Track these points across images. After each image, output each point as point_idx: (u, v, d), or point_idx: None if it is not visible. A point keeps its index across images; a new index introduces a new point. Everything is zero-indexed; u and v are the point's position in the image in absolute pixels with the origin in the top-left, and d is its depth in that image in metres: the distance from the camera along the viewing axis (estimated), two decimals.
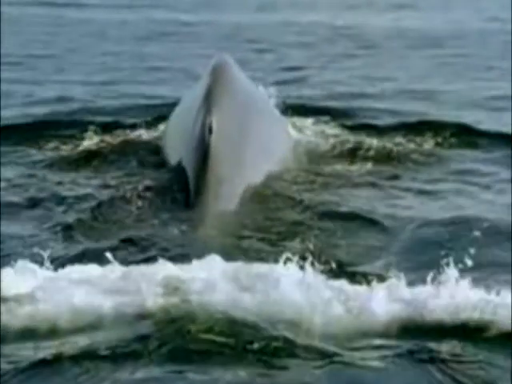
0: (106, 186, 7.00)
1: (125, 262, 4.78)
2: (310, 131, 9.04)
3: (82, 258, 4.90)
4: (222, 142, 6.22)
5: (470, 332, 4.31)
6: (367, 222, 6.33)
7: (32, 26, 22.73)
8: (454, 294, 4.42)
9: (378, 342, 4.28)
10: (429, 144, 8.88)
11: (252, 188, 6.53)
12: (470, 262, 4.59)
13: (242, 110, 7.14)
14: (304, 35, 21.98)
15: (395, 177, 7.74)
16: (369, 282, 4.64)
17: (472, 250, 4.66)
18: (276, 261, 4.76)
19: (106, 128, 8.93)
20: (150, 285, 4.49)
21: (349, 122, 9.67)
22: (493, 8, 27.02)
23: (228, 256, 4.98)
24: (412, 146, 8.75)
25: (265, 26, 25.17)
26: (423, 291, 4.48)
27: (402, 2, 31.95)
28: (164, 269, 4.61)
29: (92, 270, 4.61)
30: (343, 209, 6.64)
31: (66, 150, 8.28)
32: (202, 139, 6.21)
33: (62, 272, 4.61)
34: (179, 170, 6.63)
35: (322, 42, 20.72)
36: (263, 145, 7.14)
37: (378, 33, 23.23)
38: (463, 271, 4.57)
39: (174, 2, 29.55)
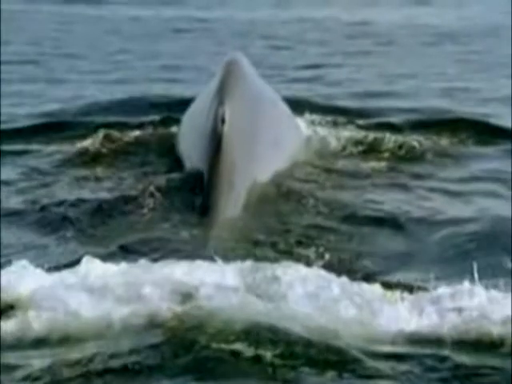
0: (117, 186, 6.85)
1: (134, 266, 4.60)
2: (323, 129, 8.85)
3: (90, 260, 4.68)
4: (234, 133, 6.26)
5: (493, 346, 4.10)
6: (388, 223, 6.13)
7: (44, 24, 22.69)
8: (480, 306, 4.19)
9: (395, 351, 4.09)
10: (449, 142, 8.67)
11: (264, 179, 6.55)
12: (499, 272, 4.38)
13: (254, 104, 7.20)
14: (319, 32, 21.84)
15: (415, 175, 7.53)
16: (390, 290, 4.44)
17: (503, 259, 4.44)
18: (290, 265, 4.58)
19: (116, 127, 8.77)
20: (160, 291, 4.30)
21: (364, 121, 9.47)
22: (506, 3, 26.77)
23: (241, 254, 4.88)
24: (431, 143, 8.53)
25: (280, 22, 25.03)
26: (449, 302, 4.26)
27: None
28: (174, 273, 4.42)
29: (99, 274, 4.43)
30: (360, 210, 6.45)
31: (77, 149, 8.10)
32: (215, 130, 6.25)
33: (67, 276, 4.43)
34: (193, 162, 6.65)
35: (338, 38, 20.56)
36: (275, 139, 7.20)
37: (395, 29, 23.06)
38: (491, 281, 4.35)
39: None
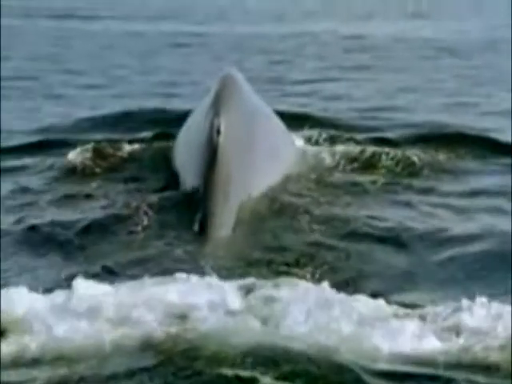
0: (110, 204, 6.76)
1: (126, 287, 4.50)
2: (320, 144, 8.77)
3: (82, 281, 4.58)
4: (229, 144, 6.26)
5: (493, 367, 3.99)
6: (386, 239, 6.04)
7: (41, 39, 22.66)
8: (481, 325, 4.09)
9: (395, 370, 4.00)
10: (447, 156, 8.58)
11: (260, 192, 6.53)
12: (503, 291, 4.28)
13: (249, 117, 7.23)
14: (317, 45, 21.82)
15: (414, 190, 7.42)
16: (391, 308, 4.35)
17: (506, 277, 4.34)
18: (287, 283, 4.49)
19: (110, 142, 8.69)
20: (154, 312, 4.20)
21: (362, 135, 9.36)
22: (504, 16, 26.86)
23: (237, 272, 4.79)
24: (429, 158, 8.43)
25: (277, 36, 25.03)
26: (450, 321, 4.16)
27: (415, 12, 31.83)
28: (168, 294, 4.32)
29: (91, 296, 4.33)
30: (358, 225, 6.35)
31: (69, 166, 7.99)
32: (211, 141, 6.27)
33: (58, 299, 4.34)
34: (188, 175, 6.62)
35: (335, 52, 20.54)
36: (270, 151, 7.21)
37: (392, 42, 23.07)
38: (495, 300, 4.25)
39: (186, 14, 29.52)
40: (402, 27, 26.67)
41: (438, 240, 6.00)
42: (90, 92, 13.58)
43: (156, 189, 7.09)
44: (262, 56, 19.34)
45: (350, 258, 5.70)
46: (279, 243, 5.87)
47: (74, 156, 8.15)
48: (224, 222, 5.89)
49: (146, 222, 6.13)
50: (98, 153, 8.19)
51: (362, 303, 4.40)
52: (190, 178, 6.56)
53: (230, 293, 4.41)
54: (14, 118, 10.81)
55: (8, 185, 7.46)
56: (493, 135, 9.49)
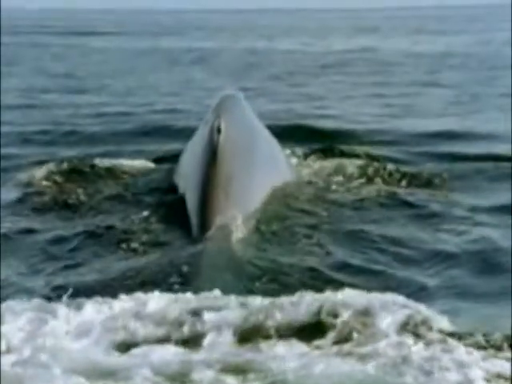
0: (107, 214, 6.65)
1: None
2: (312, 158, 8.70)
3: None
4: (230, 144, 6.25)
5: None
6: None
7: (39, 55, 22.76)
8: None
9: None
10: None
11: (261, 193, 6.48)
12: None
13: (248, 125, 7.35)
14: (318, 61, 21.88)
15: (407, 203, 7.15)
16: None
17: None
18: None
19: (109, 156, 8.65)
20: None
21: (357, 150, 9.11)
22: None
23: (237, 288, 4.62)
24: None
25: (278, 53, 25.15)
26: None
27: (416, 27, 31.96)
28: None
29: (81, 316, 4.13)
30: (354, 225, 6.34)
31: (69, 178, 7.83)
32: (211, 140, 6.25)
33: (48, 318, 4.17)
34: (189, 178, 6.54)
35: (338, 67, 20.62)
36: (268, 157, 7.28)
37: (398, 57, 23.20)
38: None
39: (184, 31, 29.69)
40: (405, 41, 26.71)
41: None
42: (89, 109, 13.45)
43: (156, 199, 6.96)
44: (261, 72, 19.44)
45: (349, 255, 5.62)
46: (279, 245, 5.78)
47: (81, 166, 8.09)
48: (225, 222, 5.78)
49: (144, 226, 6.11)
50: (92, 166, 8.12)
51: None
52: (191, 180, 6.45)
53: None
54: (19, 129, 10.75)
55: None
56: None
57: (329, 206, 6.89)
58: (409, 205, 7.05)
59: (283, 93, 15.50)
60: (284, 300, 4.22)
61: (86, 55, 22.77)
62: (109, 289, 4.77)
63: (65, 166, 8.04)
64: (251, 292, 4.59)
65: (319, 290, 4.40)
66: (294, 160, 8.56)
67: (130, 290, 4.57)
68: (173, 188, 7.06)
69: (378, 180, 7.89)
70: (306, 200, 7.03)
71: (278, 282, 4.98)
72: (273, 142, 7.84)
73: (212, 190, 5.96)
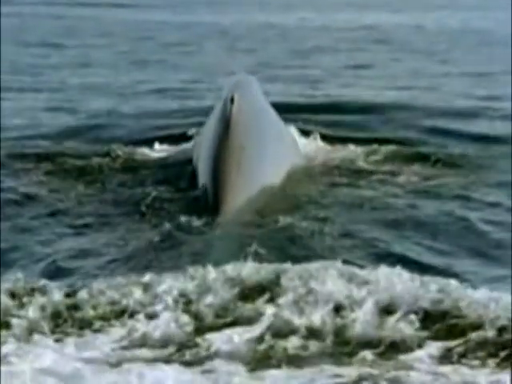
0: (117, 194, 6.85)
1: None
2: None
3: None
4: (242, 115, 6.30)
5: None
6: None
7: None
8: None
9: None
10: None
11: (273, 167, 6.60)
12: None
13: (261, 103, 7.47)
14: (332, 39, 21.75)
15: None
16: None
17: None
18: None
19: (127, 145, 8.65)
20: None
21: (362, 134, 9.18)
22: None
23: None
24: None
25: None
26: None
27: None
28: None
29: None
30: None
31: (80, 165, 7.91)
32: (224, 110, 6.30)
33: None
34: (203, 152, 6.58)
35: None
36: (280, 133, 7.39)
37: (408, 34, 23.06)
38: None
39: None
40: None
41: None
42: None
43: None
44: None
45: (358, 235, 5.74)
46: (288, 219, 5.84)
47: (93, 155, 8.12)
48: (237, 193, 5.87)
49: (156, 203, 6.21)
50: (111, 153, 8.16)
51: None
52: (204, 150, 6.51)
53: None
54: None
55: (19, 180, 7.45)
56: None
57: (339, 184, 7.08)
58: None
59: None
60: None
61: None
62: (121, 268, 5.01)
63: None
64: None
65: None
66: (304, 140, 8.62)
67: (143, 268, 4.78)
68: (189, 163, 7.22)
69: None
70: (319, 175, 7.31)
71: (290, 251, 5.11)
72: (281, 124, 7.97)
73: (224, 159, 6.02)
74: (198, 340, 4.01)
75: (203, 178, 6.21)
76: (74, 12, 30.23)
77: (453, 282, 4.43)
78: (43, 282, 4.54)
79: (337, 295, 4.23)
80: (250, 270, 4.51)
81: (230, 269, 4.51)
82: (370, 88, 13.12)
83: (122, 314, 4.23)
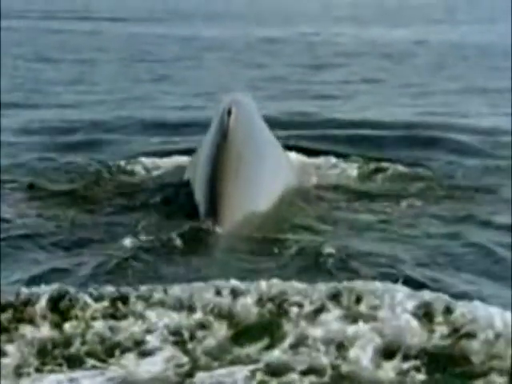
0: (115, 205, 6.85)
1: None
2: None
3: None
4: (240, 127, 6.35)
5: None
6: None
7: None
8: None
9: None
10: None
11: (270, 175, 6.62)
12: None
13: (256, 118, 7.54)
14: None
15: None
16: None
17: None
18: None
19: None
20: None
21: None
22: None
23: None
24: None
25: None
26: None
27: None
28: None
29: None
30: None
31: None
32: (222, 121, 6.36)
33: None
34: (201, 161, 6.58)
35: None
36: (276, 144, 7.49)
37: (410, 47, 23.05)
38: None
39: None
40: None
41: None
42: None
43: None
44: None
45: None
46: (288, 225, 5.97)
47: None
48: (235, 200, 5.88)
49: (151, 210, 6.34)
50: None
51: None
52: (202, 161, 6.53)
53: None
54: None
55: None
56: None
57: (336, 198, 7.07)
58: None
59: None
60: None
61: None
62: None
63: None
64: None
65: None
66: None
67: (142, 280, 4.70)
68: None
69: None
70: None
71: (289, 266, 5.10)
72: (275, 140, 7.90)
73: (222, 167, 6.04)
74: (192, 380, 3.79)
75: (201, 187, 6.18)
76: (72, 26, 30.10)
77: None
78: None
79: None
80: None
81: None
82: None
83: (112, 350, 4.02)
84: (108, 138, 9.99)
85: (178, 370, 3.88)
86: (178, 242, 5.50)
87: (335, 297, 4.34)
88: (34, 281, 4.94)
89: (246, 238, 5.66)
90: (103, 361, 3.94)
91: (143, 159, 8.37)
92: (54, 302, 4.35)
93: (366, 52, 21.95)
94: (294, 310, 4.25)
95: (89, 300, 4.34)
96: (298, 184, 7.36)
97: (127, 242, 5.55)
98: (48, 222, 6.49)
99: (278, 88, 14.74)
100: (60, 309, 4.33)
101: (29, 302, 4.35)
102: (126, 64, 18.90)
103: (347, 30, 28.47)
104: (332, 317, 4.20)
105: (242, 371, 3.80)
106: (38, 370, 3.88)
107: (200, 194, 6.11)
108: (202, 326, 4.17)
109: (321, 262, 5.19)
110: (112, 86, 15.04)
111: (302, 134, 9.78)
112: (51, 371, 3.89)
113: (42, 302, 4.32)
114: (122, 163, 8.20)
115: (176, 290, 4.39)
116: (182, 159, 8.24)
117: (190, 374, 3.84)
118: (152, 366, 3.89)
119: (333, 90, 14.79)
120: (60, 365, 3.94)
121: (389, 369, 3.86)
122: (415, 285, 4.66)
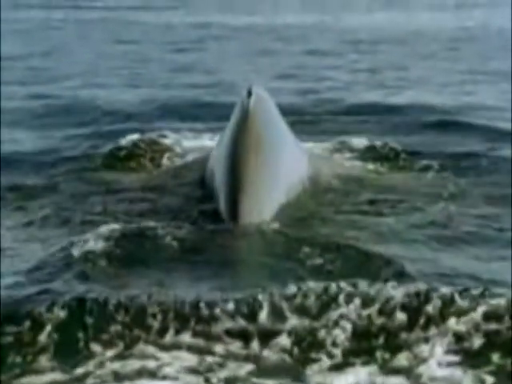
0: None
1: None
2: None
3: None
4: (259, 108, 6.36)
5: None
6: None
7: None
8: None
9: None
10: None
11: (290, 157, 6.66)
12: None
13: (275, 111, 7.43)
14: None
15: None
16: None
17: None
18: None
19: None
20: None
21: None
22: None
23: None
24: None
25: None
26: None
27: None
28: None
29: None
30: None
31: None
32: (242, 103, 6.37)
33: None
34: (221, 147, 6.56)
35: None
36: (292, 137, 7.44)
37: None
38: None
39: None
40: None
41: None
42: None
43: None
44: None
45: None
46: (306, 212, 6.06)
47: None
48: (255, 181, 5.86)
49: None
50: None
51: None
52: (223, 143, 6.50)
53: None
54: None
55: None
56: None
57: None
58: None
59: None
60: None
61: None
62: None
63: None
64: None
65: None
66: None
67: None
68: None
69: None
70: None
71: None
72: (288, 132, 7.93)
73: (243, 147, 6.00)
74: None
75: (221, 168, 6.19)
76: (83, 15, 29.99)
77: None
78: None
79: None
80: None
81: None
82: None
83: None
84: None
85: None
86: (197, 236, 5.49)
87: None
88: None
89: (267, 232, 5.58)
90: None
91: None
92: None
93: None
94: None
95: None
96: (314, 173, 7.29)
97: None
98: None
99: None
100: None
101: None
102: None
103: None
104: None
105: None
106: None
107: (220, 175, 6.13)
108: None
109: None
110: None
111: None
112: None
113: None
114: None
115: None
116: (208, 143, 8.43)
117: None
118: None
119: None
120: None
121: None
122: None
